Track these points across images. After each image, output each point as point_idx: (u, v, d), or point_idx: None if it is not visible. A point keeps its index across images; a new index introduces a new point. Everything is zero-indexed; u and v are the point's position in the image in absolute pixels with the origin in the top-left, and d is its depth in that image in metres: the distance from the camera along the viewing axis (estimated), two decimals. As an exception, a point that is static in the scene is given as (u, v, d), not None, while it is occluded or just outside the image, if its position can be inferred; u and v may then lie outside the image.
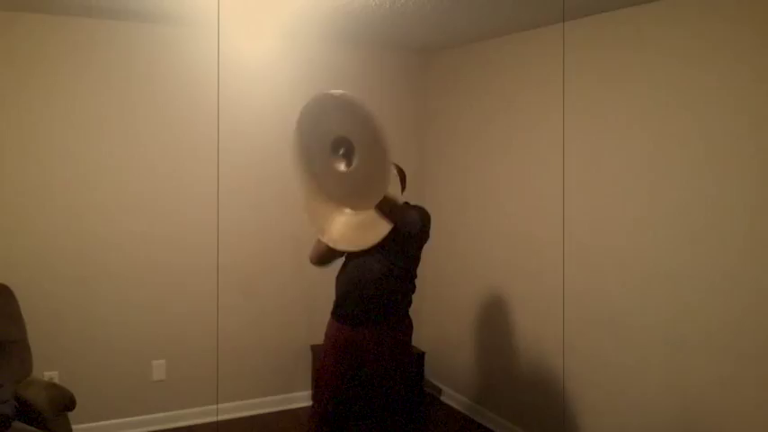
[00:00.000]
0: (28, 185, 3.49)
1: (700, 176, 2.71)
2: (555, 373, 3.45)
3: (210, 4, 3.13)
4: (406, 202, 2.83)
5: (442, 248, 4.33)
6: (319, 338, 3.15)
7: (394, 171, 2.53)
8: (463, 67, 4.18)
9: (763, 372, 2.49)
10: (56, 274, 3.56)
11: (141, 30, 3.65)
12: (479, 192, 4.06)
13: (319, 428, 2.93)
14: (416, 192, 4.10)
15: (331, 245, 2.67)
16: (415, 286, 2.95)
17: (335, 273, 2.96)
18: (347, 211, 2.60)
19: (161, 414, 3.84)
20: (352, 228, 2.60)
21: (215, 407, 3.96)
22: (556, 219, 3.38)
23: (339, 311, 2.91)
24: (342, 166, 2.44)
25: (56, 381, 3.43)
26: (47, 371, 3.51)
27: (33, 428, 2.78)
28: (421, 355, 4.32)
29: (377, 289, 2.79)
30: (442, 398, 4.40)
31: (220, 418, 3.97)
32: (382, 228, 2.52)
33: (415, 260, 2.90)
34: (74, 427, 3.16)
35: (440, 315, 4.46)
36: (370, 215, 2.53)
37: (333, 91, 2.38)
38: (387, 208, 2.49)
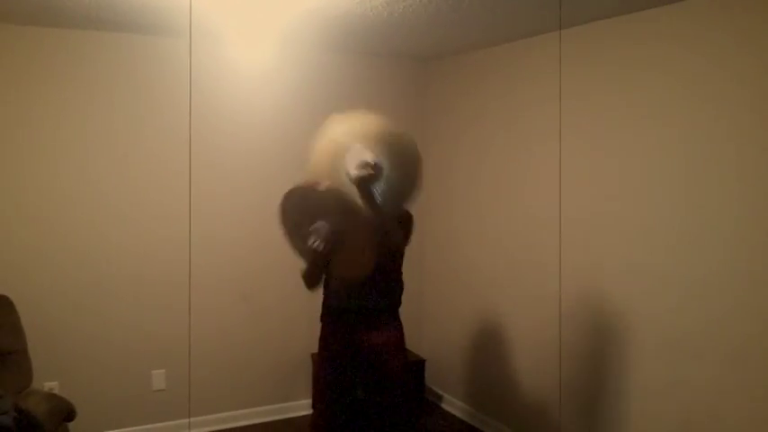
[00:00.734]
0: (29, 196, 3.50)
1: (696, 181, 2.72)
2: (554, 379, 3.45)
3: (202, 13, 3.09)
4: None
5: (441, 257, 4.33)
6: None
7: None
8: (461, 76, 4.20)
9: (763, 372, 2.49)
10: (56, 284, 3.57)
11: (125, 40, 3.61)
12: (478, 199, 4.07)
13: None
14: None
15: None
16: (402, 283, 3.00)
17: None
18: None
19: (161, 424, 3.83)
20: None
21: (215, 416, 3.96)
22: (554, 225, 3.39)
23: (332, 313, 2.95)
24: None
25: (56, 391, 3.42)
26: (47, 381, 3.51)
27: (33, 439, 2.78)
28: (421, 363, 4.31)
29: (370, 286, 2.84)
30: (443, 405, 4.40)
31: (220, 427, 3.96)
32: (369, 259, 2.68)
33: (401, 257, 2.97)
34: (74, 437, 3.16)
35: (440, 322, 4.46)
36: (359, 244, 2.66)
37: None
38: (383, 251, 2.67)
